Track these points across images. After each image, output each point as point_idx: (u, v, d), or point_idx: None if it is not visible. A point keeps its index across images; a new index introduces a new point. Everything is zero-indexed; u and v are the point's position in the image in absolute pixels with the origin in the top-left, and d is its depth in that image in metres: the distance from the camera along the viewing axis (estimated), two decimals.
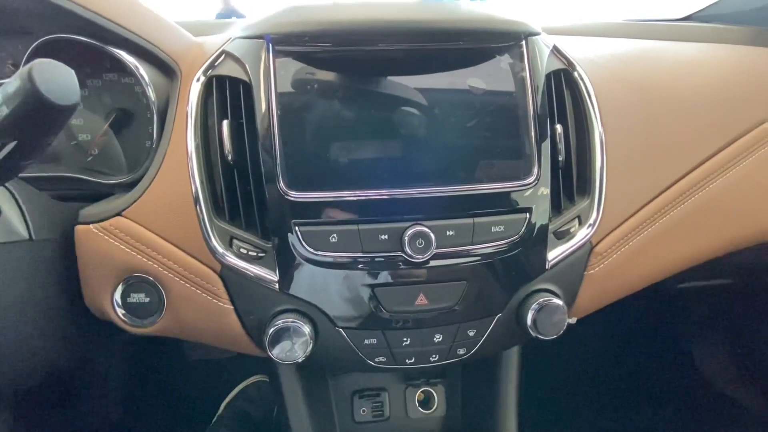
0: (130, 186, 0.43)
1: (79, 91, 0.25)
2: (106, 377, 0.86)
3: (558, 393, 0.88)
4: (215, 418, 0.84)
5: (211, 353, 0.96)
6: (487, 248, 0.38)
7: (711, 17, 0.77)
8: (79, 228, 0.39)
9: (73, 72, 0.25)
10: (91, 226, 0.38)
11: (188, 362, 0.96)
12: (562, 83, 0.43)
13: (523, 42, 0.40)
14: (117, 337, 0.69)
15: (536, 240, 0.39)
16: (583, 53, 0.49)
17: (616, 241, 0.43)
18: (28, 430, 0.68)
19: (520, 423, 0.55)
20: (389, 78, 0.39)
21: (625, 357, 0.94)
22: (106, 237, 0.38)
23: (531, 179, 0.39)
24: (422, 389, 0.58)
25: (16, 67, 0.45)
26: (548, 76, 0.41)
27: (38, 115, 0.23)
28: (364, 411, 0.57)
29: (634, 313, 0.90)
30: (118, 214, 0.39)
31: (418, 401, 0.58)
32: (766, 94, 0.51)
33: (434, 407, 0.58)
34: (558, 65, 0.43)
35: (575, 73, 0.43)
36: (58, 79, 0.23)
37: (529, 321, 0.39)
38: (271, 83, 0.37)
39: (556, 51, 0.43)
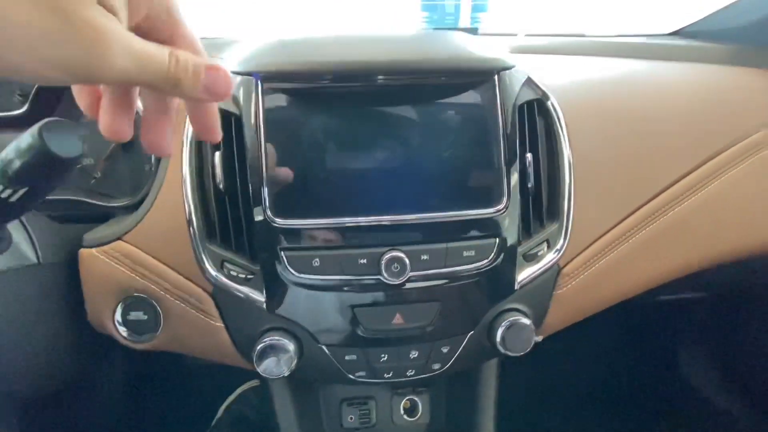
0: (130, 208, 0.46)
1: (82, 145, 0.28)
2: (108, 384, 0.89)
3: (541, 405, 0.91)
4: (214, 421, 0.87)
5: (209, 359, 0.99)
6: (459, 271, 0.41)
7: (698, 33, 0.79)
8: (83, 252, 0.42)
9: (78, 126, 0.28)
10: (93, 249, 0.42)
11: (187, 367, 0.99)
12: (535, 112, 0.45)
13: (496, 77, 0.42)
14: (117, 348, 0.73)
15: (505, 263, 0.42)
16: (559, 80, 0.51)
17: (582, 263, 0.45)
18: None
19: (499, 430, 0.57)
20: (368, 110, 0.42)
21: (609, 370, 0.96)
22: (108, 260, 0.41)
23: (501, 206, 0.41)
24: (408, 398, 0.61)
25: (25, 98, 0.48)
26: (521, 106, 0.44)
27: (46, 167, 0.27)
28: (351, 418, 0.60)
29: (618, 327, 0.92)
30: (119, 238, 0.42)
31: (404, 409, 0.61)
32: (736, 117, 0.53)
33: (419, 415, 0.61)
34: (531, 96, 0.45)
35: (548, 103, 0.46)
36: (64, 135, 0.26)
37: (498, 338, 0.42)
38: (260, 118, 0.40)
39: (529, 82, 0.46)
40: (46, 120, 0.26)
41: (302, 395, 0.58)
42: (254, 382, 0.94)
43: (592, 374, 0.96)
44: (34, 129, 0.26)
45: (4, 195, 0.28)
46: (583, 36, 0.77)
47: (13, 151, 0.26)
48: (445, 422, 0.60)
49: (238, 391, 0.93)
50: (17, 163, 0.26)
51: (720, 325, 0.83)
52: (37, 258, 0.39)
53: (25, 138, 0.26)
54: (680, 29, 0.82)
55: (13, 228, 0.38)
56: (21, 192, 0.28)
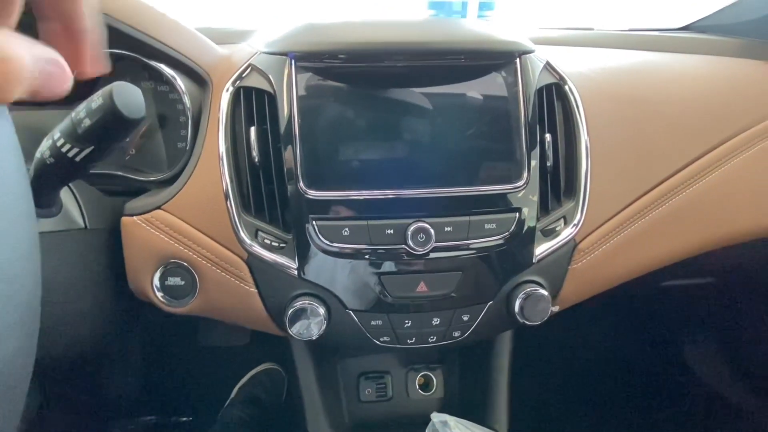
0: (162, 183, 0.48)
1: (144, 107, 0.30)
2: (127, 358, 0.92)
3: (551, 390, 0.93)
4: (228, 401, 0.90)
5: (225, 341, 1.02)
6: (481, 243, 0.43)
7: (709, 27, 0.80)
8: (125, 219, 0.44)
9: (140, 91, 0.30)
10: (135, 217, 0.44)
11: (203, 349, 1.02)
12: (554, 95, 0.48)
13: (517, 59, 0.45)
14: (138, 321, 0.75)
15: (524, 237, 0.44)
16: (576, 67, 0.54)
17: (598, 240, 0.47)
18: (56, 403, 0.74)
19: (511, 409, 0.59)
20: (396, 90, 0.44)
21: (618, 357, 0.98)
22: (148, 227, 0.44)
23: (521, 183, 0.44)
24: (422, 374, 0.64)
25: None
26: (540, 90, 0.46)
27: (114, 127, 0.29)
28: (368, 391, 0.62)
29: (627, 314, 0.94)
30: (159, 207, 0.44)
31: (419, 385, 0.64)
32: (747, 104, 0.55)
33: (433, 390, 0.63)
34: (550, 79, 0.47)
35: (566, 87, 0.48)
36: (131, 97, 0.29)
37: (516, 308, 0.44)
38: (293, 94, 0.42)
39: (548, 66, 0.48)
40: (115, 83, 0.29)
41: (322, 370, 0.60)
42: (266, 365, 0.97)
43: (598, 362, 0.97)
44: (106, 90, 0.28)
45: (70, 154, 0.30)
46: (593, 30, 0.79)
47: (84, 111, 0.29)
48: (459, 397, 0.62)
49: (251, 373, 0.96)
50: (87, 122, 0.29)
51: (725, 313, 0.85)
52: (84, 223, 0.41)
53: (96, 99, 0.28)
54: (690, 24, 0.84)
55: (64, 195, 0.41)
56: (86, 151, 0.30)
